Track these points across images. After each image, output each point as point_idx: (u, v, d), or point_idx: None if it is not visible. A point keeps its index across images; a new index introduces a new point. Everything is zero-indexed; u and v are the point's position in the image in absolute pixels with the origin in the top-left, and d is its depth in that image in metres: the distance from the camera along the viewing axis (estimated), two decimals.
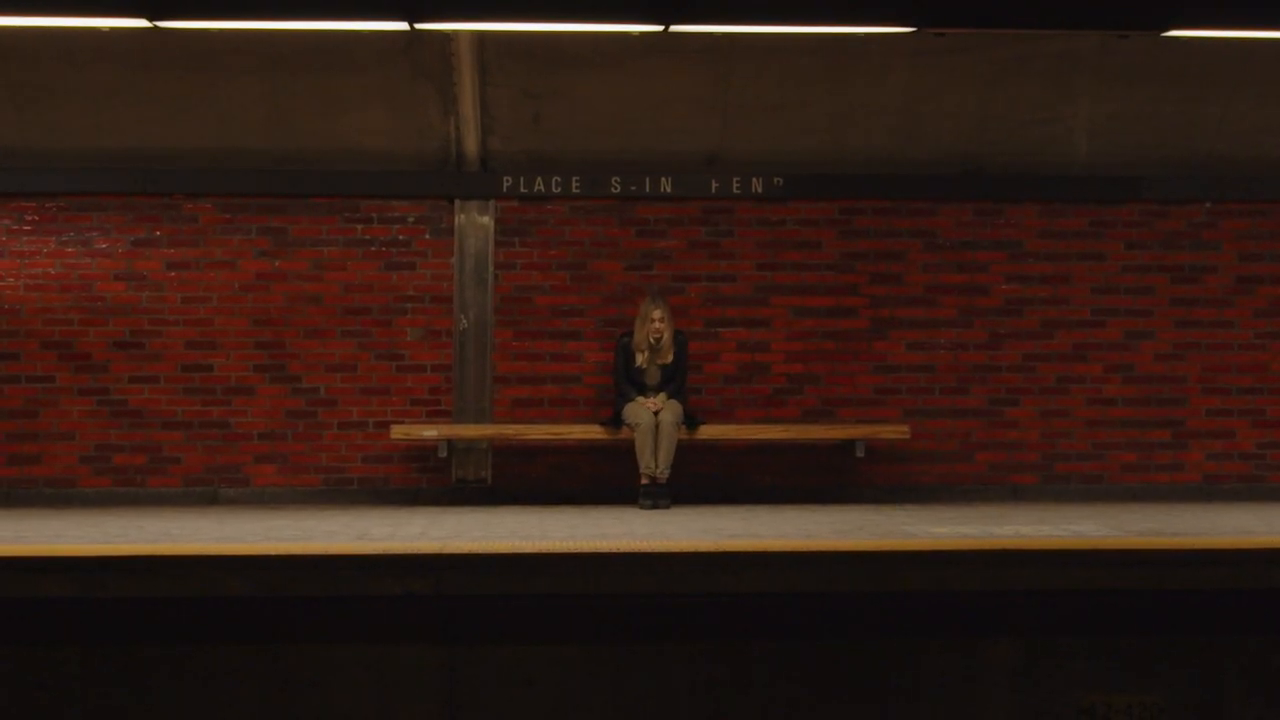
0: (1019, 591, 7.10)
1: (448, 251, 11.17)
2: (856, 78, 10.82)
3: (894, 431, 11.00)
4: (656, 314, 10.64)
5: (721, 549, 7.28)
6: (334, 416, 11.10)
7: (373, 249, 11.15)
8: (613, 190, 11.19)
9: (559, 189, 11.17)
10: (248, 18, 8.83)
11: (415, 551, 7.12)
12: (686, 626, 7.09)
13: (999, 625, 7.15)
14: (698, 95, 10.91)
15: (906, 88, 10.93)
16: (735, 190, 11.23)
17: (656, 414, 10.43)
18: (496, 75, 10.69)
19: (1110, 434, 11.39)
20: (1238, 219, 11.50)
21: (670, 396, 10.62)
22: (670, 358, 10.72)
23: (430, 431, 10.80)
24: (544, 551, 7.10)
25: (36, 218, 11.04)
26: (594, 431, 10.80)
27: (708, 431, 10.78)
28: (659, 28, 8.78)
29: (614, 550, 7.16)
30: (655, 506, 10.22)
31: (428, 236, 11.18)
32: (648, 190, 11.21)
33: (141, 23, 8.54)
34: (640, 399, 10.59)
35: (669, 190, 11.21)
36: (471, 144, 11.00)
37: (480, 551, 7.12)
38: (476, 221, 11.15)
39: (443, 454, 10.82)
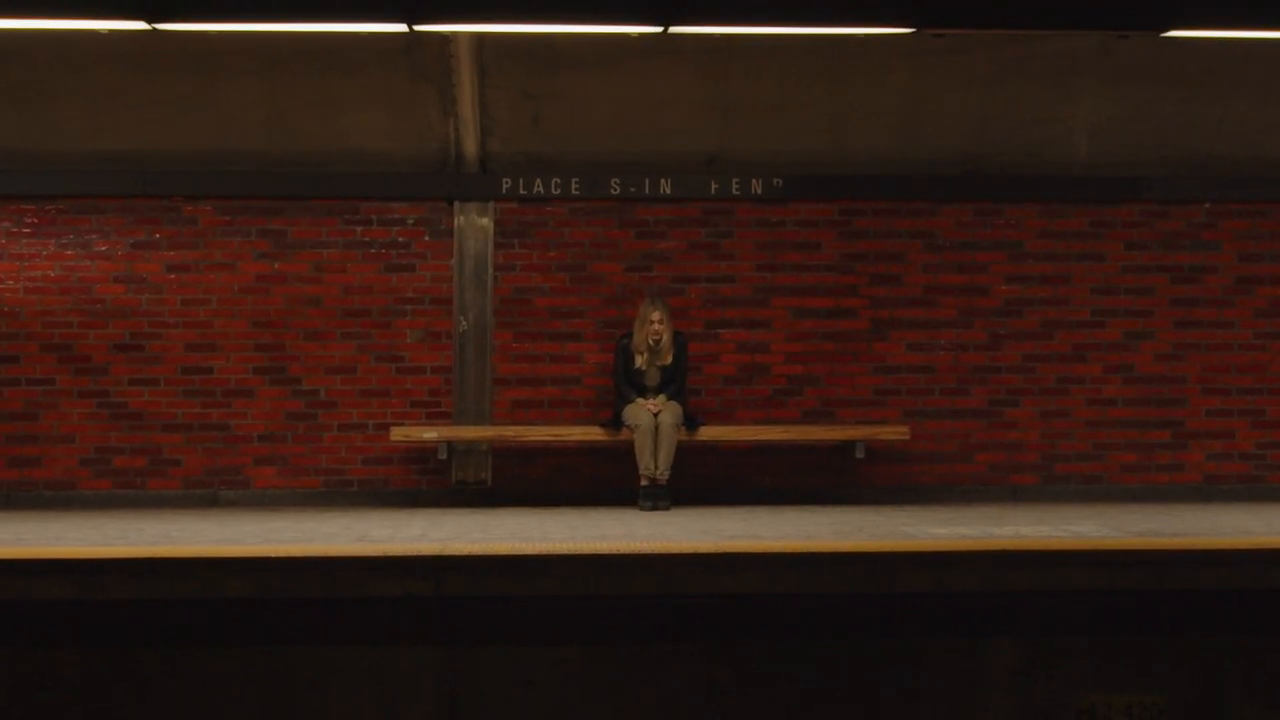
0: (1019, 592, 7.10)
1: (447, 253, 11.17)
2: (856, 78, 10.83)
3: (894, 432, 11.00)
4: (656, 315, 10.64)
5: (721, 550, 7.28)
6: (334, 418, 11.10)
7: (372, 251, 11.16)
8: (612, 191, 11.19)
9: (558, 190, 11.17)
10: (247, 20, 8.83)
11: (415, 553, 7.11)
12: (687, 628, 7.09)
13: (999, 626, 7.15)
14: (697, 96, 10.91)
15: (906, 88, 10.93)
16: (735, 191, 11.23)
17: (656, 415, 10.43)
18: (496, 77, 10.69)
19: (1110, 434, 11.39)
20: (1237, 219, 11.50)
21: (670, 398, 10.61)
22: (670, 359, 10.72)
23: (430, 433, 10.80)
24: (544, 553, 7.10)
25: (36, 220, 11.04)
26: (594, 433, 10.80)
27: (707, 433, 10.78)
28: (658, 29, 8.78)
29: (614, 552, 7.16)
30: (655, 508, 10.22)
31: (427, 238, 11.18)
32: (647, 191, 11.21)
33: (140, 25, 8.55)
34: (640, 400, 10.59)
35: (668, 191, 11.21)
36: (471, 145, 11.01)
37: (480, 553, 7.11)
38: (476, 223, 11.16)
39: (443, 456, 10.82)
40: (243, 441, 11.07)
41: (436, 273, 11.17)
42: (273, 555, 7.10)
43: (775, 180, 11.24)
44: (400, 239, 11.17)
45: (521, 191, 11.17)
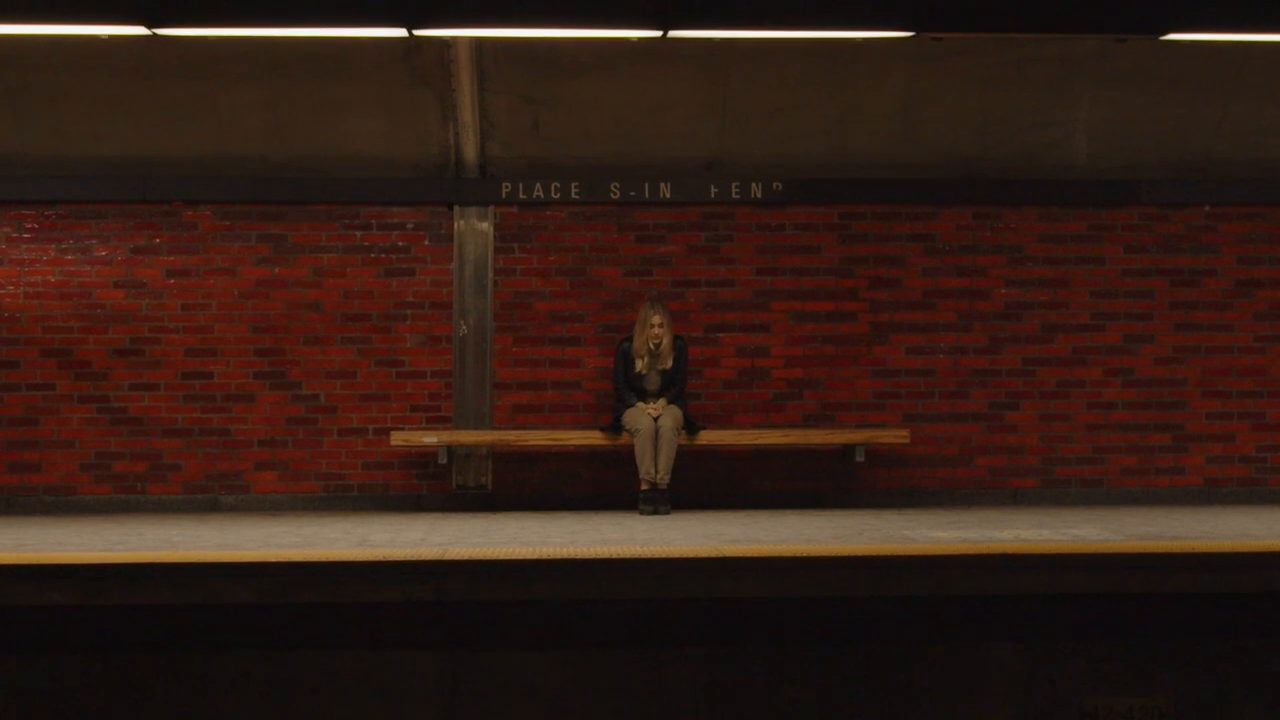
0: (1020, 596, 7.10)
1: (447, 258, 11.17)
2: (855, 82, 10.83)
3: (894, 436, 11.00)
4: (655, 319, 10.64)
5: (722, 554, 7.27)
6: (334, 423, 11.10)
7: (372, 255, 11.16)
8: (612, 196, 11.20)
9: (558, 194, 11.18)
10: (247, 25, 8.82)
11: (415, 558, 7.11)
12: (687, 632, 7.09)
13: (1000, 629, 7.15)
14: (696, 100, 10.91)
15: (905, 92, 10.93)
16: (734, 195, 11.24)
17: (656, 419, 10.43)
18: (495, 81, 10.69)
19: (1110, 438, 11.39)
20: (1237, 222, 11.50)
21: (670, 402, 10.61)
22: (670, 363, 10.72)
23: (430, 438, 10.80)
24: (544, 558, 7.10)
25: (36, 225, 11.04)
26: (594, 437, 10.80)
27: (708, 437, 10.78)
28: (658, 33, 8.78)
29: (614, 556, 7.16)
30: (655, 512, 10.22)
31: (427, 243, 11.18)
32: (647, 195, 11.21)
33: (140, 30, 8.55)
34: (640, 404, 10.59)
35: (668, 195, 11.22)
36: (470, 150, 11.01)
37: (481, 558, 7.11)
38: (476, 227, 11.16)
39: (443, 460, 10.81)
40: (243, 446, 11.07)
41: (436, 277, 11.17)
42: (273, 560, 7.10)
43: (775, 184, 11.25)
44: (400, 243, 11.18)
45: (521, 196, 11.17)
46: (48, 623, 6.89)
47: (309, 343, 11.12)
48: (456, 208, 11.16)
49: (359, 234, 11.16)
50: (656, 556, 7.14)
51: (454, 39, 10.20)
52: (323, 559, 7.13)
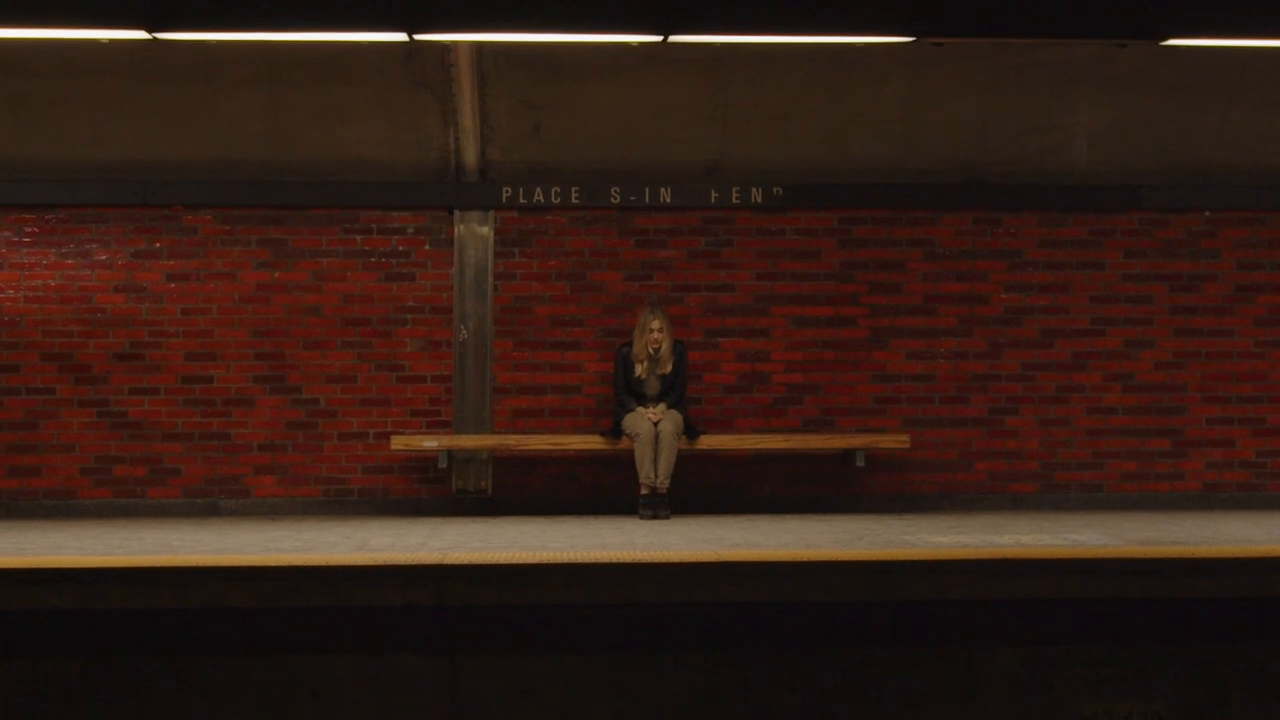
0: (1019, 601, 7.10)
1: (447, 262, 11.18)
2: (856, 87, 10.84)
3: (894, 441, 11.00)
4: (655, 324, 10.65)
5: (722, 559, 7.28)
6: (334, 427, 11.10)
7: (372, 260, 11.16)
8: (612, 200, 11.20)
9: (558, 199, 11.18)
10: (247, 29, 8.82)
11: (416, 562, 7.12)
12: (687, 636, 7.09)
13: (999, 634, 7.15)
14: (697, 105, 10.92)
15: (906, 97, 10.94)
16: (735, 200, 11.24)
17: (656, 424, 10.43)
18: (496, 86, 10.70)
19: (1110, 443, 11.39)
20: (1237, 227, 11.51)
21: (670, 406, 10.61)
22: (669, 367, 10.72)
23: (430, 442, 10.80)
24: (544, 562, 7.10)
25: (36, 229, 11.04)
26: (594, 442, 10.80)
27: (708, 441, 10.78)
28: (658, 38, 8.78)
29: (614, 561, 7.17)
30: (656, 517, 10.22)
31: (427, 247, 11.19)
32: (647, 200, 11.22)
33: (141, 34, 8.55)
34: (640, 409, 10.59)
35: (668, 200, 11.22)
36: (471, 154, 11.01)
37: (481, 562, 7.12)
38: (476, 232, 11.16)
39: (443, 464, 10.81)
40: (243, 450, 11.07)
41: (437, 281, 11.17)
42: (273, 564, 7.10)
43: (775, 189, 11.25)
44: (400, 248, 11.18)
45: (522, 200, 11.18)
46: (47, 626, 6.89)
47: (309, 347, 11.12)
48: (457, 212, 11.17)
49: (359, 238, 11.17)
50: (656, 561, 7.14)
51: (454, 43, 10.20)
52: (323, 563, 7.13)
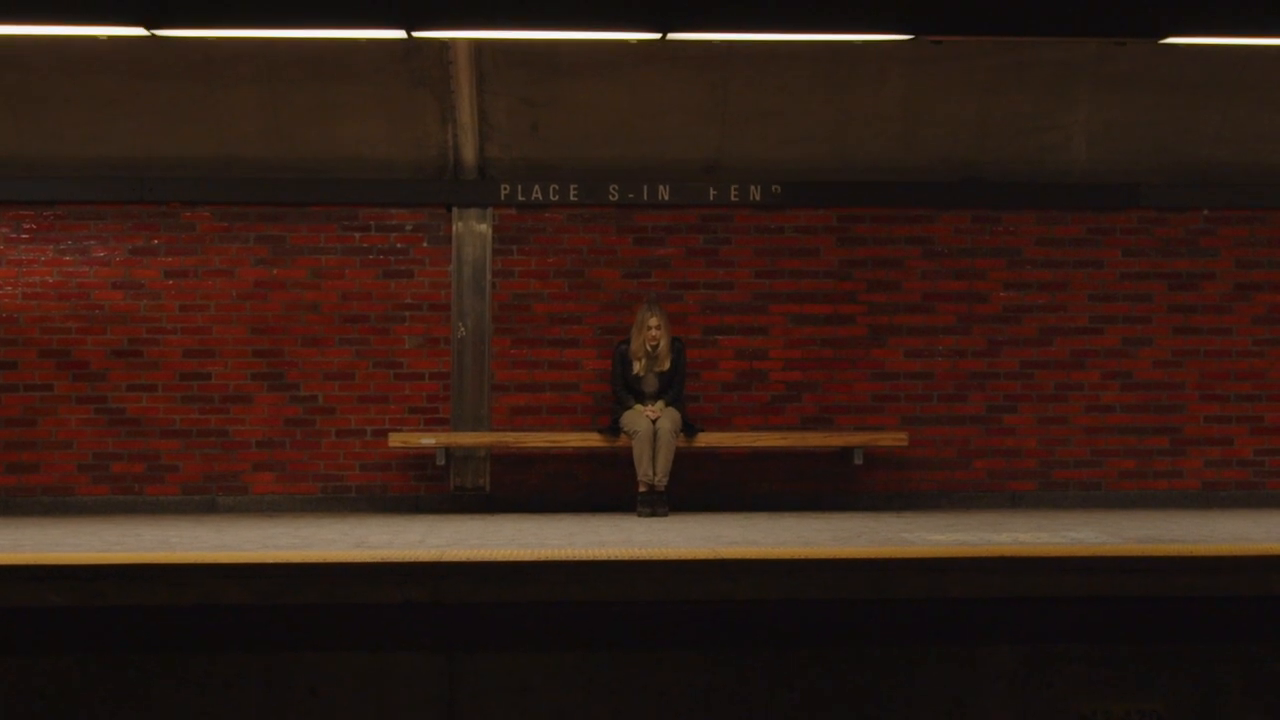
0: (1017, 599, 7.09)
1: (445, 259, 11.17)
2: (854, 85, 10.84)
3: (892, 439, 11.00)
4: (653, 321, 10.65)
5: (720, 556, 7.27)
6: (332, 424, 11.10)
7: (371, 257, 11.16)
8: (611, 198, 11.20)
9: (557, 197, 11.18)
10: (246, 26, 8.82)
11: (413, 559, 7.11)
12: (685, 634, 7.08)
13: (997, 633, 7.14)
14: (696, 103, 10.92)
15: (905, 95, 10.94)
16: (733, 198, 11.24)
17: (655, 421, 10.43)
18: (494, 83, 10.70)
19: (1108, 441, 11.39)
20: (1236, 226, 11.51)
21: (668, 404, 10.61)
22: (667, 365, 10.72)
23: (428, 439, 10.80)
24: (542, 559, 7.10)
25: (34, 226, 11.04)
26: (592, 439, 10.80)
27: (706, 439, 10.78)
28: (657, 36, 8.78)
29: (612, 558, 7.16)
30: (654, 514, 10.22)
31: (425, 244, 11.18)
32: (646, 198, 11.21)
33: (139, 31, 8.55)
34: (638, 406, 10.59)
35: (667, 198, 11.22)
36: (469, 152, 11.01)
37: (478, 559, 7.11)
38: (474, 229, 11.16)
39: (441, 462, 10.81)
40: (241, 447, 11.06)
41: (435, 279, 11.17)
42: (271, 562, 7.09)
43: (774, 187, 11.25)
44: (399, 245, 11.18)
45: (520, 198, 11.17)
46: (45, 623, 6.88)
47: (307, 344, 11.12)
48: (455, 209, 11.16)
49: (357, 235, 11.16)
50: (654, 558, 7.14)
51: (453, 41, 10.20)
52: (321, 560, 7.13)
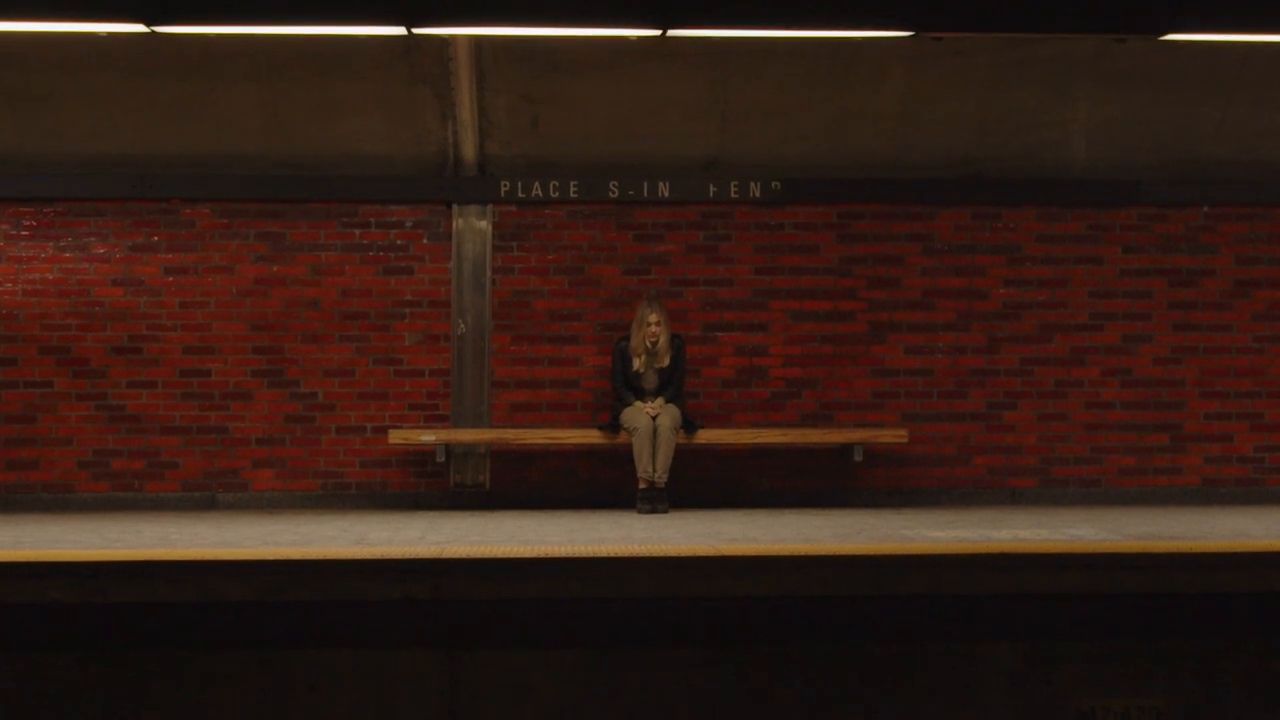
0: (1017, 595, 7.09)
1: (445, 256, 11.17)
2: (854, 82, 10.83)
3: (892, 435, 11.00)
4: (653, 318, 10.65)
5: (720, 553, 7.27)
6: (332, 421, 11.10)
7: (370, 254, 11.16)
8: (611, 194, 11.20)
9: (557, 193, 11.18)
10: (245, 22, 8.81)
11: (414, 556, 7.11)
12: (685, 631, 7.08)
13: (997, 629, 7.14)
14: (696, 99, 10.92)
15: (904, 92, 10.93)
16: (733, 194, 11.24)
17: (654, 418, 10.43)
18: (494, 80, 10.69)
19: (1108, 438, 11.39)
20: (1236, 223, 11.51)
21: (668, 401, 10.61)
22: (667, 361, 10.72)
23: (428, 436, 10.80)
24: (542, 556, 7.10)
25: (34, 223, 11.03)
26: (592, 436, 10.80)
27: (706, 436, 10.78)
28: (657, 32, 8.77)
29: (612, 555, 7.16)
30: (654, 511, 10.22)
31: (425, 241, 11.18)
32: (645, 194, 11.21)
33: (139, 28, 8.54)
34: (638, 403, 10.59)
35: (667, 194, 11.22)
36: (469, 149, 11.01)
37: (479, 556, 7.11)
38: (474, 226, 11.16)
39: (441, 459, 10.81)
40: (241, 444, 11.07)
41: (435, 275, 11.17)
42: (271, 558, 7.09)
43: (774, 183, 11.25)
44: (398, 242, 11.18)
45: (520, 194, 11.17)
46: (45, 620, 6.88)
47: (307, 341, 11.12)
48: (455, 206, 11.16)
49: (357, 232, 11.16)
50: (654, 555, 7.14)
51: (453, 37, 10.20)
52: (320, 557, 7.13)
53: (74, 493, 10.95)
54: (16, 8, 8.53)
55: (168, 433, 11.03)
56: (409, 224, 11.19)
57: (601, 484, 11.05)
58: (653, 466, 10.32)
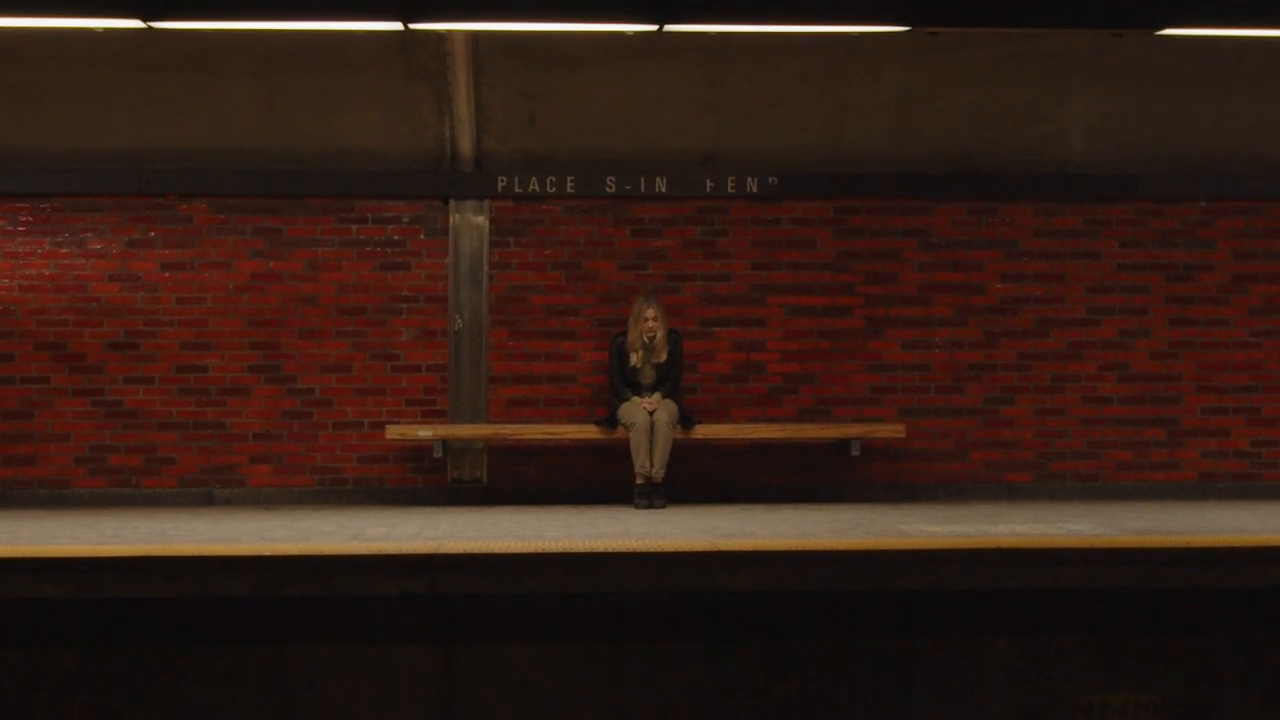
0: (1015, 591, 7.10)
1: (442, 251, 11.17)
2: (851, 77, 10.83)
3: (889, 430, 11.00)
4: (650, 313, 10.64)
5: (717, 548, 7.28)
6: (329, 417, 11.09)
7: (368, 249, 11.15)
8: (608, 190, 11.19)
9: (554, 189, 11.17)
10: (242, 18, 8.81)
11: (411, 551, 7.11)
12: (683, 626, 7.09)
13: (995, 624, 7.15)
14: (692, 95, 10.91)
15: (901, 87, 10.93)
16: (730, 189, 11.24)
17: (652, 413, 10.43)
18: (491, 75, 10.68)
19: (1105, 432, 11.39)
20: (1233, 217, 11.51)
21: (665, 396, 10.61)
22: (664, 356, 10.72)
23: (425, 431, 10.80)
24: (540, 551, 7.10)
25: (31, 218, 11.02)
26: (589, 431, 10.80)
27: (703, 431, 10.78)
28: (654, 27, 8.77)
29: (610, 550, 7.16)
30: (651, 506, 10.22)
31: (423, 236, 11.18)
32: (643, 190, 11.21)
33: (136, 23, 8.53)
34: (635, 398, 10.59)
35: (664, 190, 11.21)
36: (466, 144, 11.00)
37: (476, 551, 7.11)
38: (471, 221, 11.15)
39: (438, 454, 10.81)
40: (238, 440, 11.06)
41: (432, 271, 11.16)
42: (268, 554, 7.09)
43: (770, 178, 11.25)
44: (396, 237, 11.17)
45: (517, 189, 11.17)
46: (42, 616, 6.88)
47: (304, 336, 11.11)
48: (452, 201, 11.16)
49: (354, 228, 11.16)
50: (651, 551, 7.14)
51: (450, 33, 10.19)
52: (317, 552, 7.13)
53: (71, 488, 10.94)
54: (15, 3, 8.52)
55: (165, 428, 11.03)
56: (406, 219, 11.18)
57: (599, 479, 11.04)
58: (650, 462, 10.32)
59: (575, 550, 7.16)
